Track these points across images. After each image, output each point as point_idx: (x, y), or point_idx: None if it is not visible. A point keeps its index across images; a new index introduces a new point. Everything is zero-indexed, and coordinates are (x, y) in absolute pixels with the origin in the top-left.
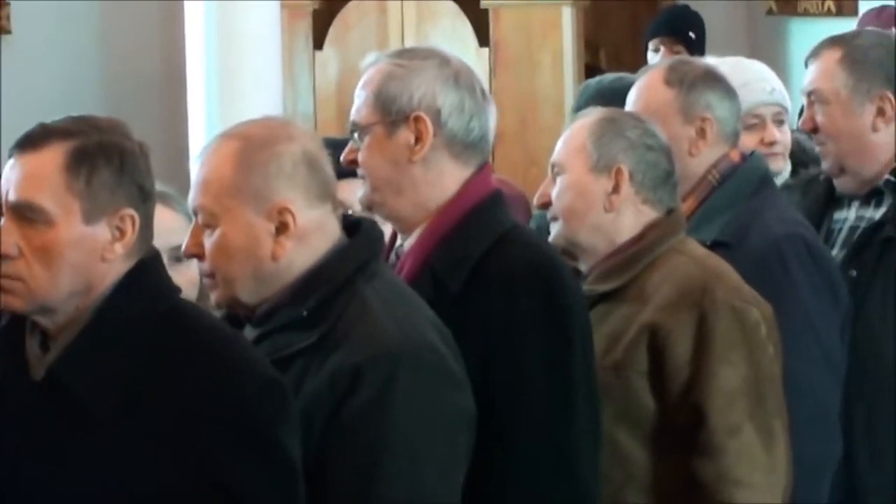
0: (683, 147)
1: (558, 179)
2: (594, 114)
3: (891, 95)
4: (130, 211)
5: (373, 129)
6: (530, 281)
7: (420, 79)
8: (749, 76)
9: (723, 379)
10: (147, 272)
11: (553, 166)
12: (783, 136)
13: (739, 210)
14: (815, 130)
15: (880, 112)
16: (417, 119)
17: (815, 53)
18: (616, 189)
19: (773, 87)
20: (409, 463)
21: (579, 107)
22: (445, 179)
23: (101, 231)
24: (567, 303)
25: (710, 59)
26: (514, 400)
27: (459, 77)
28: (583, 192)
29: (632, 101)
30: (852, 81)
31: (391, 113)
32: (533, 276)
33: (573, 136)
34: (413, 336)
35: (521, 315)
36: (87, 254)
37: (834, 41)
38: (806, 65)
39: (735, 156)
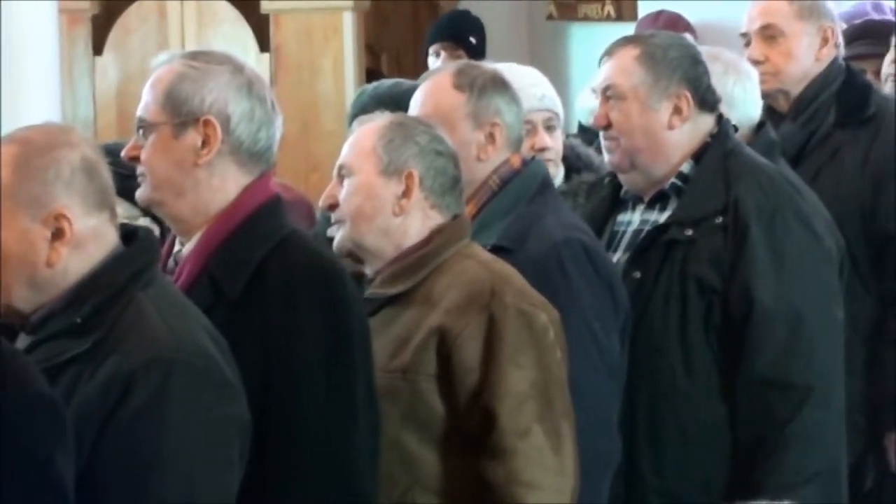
0: (472, 152)
1: (346, 182)
2: (382, 118)
3: (688, 94)
4: None
5: (160, 128)
6: (310, 285)
7: (213, 83)
8: (521, 82)
9: (512, 382)
10: None
11: (340, 168)
12: (554, 143)
13: (518, 214)
14: (607, 127)
15: (677, 110)
16: (207, 123)
17: (611, 52)
18: (406, 193)
19: (543, 92)
20: (182, 470)
21: (355, 113)
22: (228, 186)
23: None
24: (347, 307)
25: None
26: (295, 403)
27: (252, 86)
28: (372, 195)
29: (418, 105)
30: (651, 79)
31: (180, 114)
32: (312, 280)
33: (361, 139)
34: (187, 343)
35: (301, 319)
36: None
37: (631, 39)
38: (599, 63)
39: (516, 161)
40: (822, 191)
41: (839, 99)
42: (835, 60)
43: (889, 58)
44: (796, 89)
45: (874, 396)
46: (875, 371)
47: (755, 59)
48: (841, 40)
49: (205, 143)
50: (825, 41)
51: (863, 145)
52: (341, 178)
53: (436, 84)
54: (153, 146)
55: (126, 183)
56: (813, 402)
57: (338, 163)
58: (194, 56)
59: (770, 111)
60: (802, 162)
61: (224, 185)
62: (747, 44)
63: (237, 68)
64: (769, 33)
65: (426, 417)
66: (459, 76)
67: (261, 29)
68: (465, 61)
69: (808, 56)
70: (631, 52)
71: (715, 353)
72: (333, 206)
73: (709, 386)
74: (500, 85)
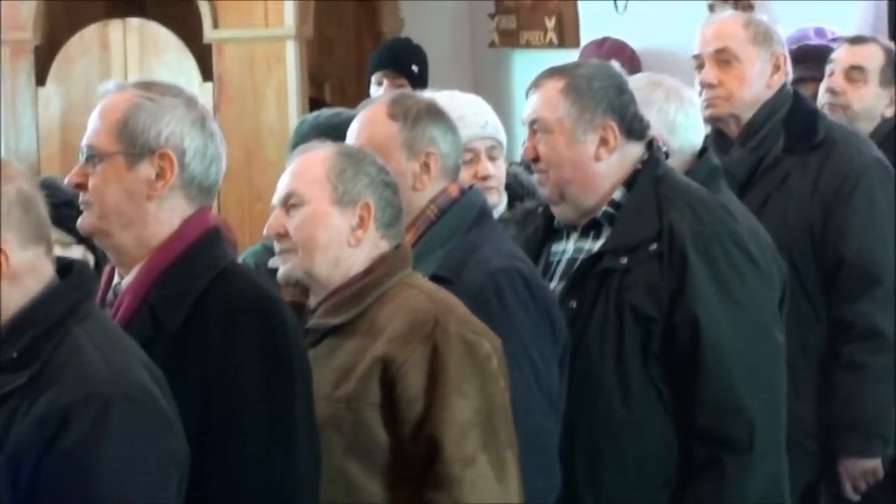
0: (408, 182)
1: (296, 212)
2: (325, 147)
3: (614, 125)
4: None
5: (113, 158)
6: (249, 316)
7: (170, 116)
8: (463, 110)
9: (456, 411)
10: None
11: (289, 197)
12: (497, 170)
13: (456, 244)
14: (536, 160)
15: (603, 142)
16: (163, 156)
17: (537, 84)
18: (362, 224)
19: (486, 120)
20: None
21: (296, 142)
22: (174, 219)
23: None
24: (286, 338)
25: (425, 93)
26: (234, 434)
27: (205, 121)
28: (326, 225)
29: (354, 135)
30: (576, 111)
31: (136, 145)
32: (251, 311)
33: (310, 167)
34: (124, 377)
35: (240, 350)
36: None
37: (555, 71)
38: (527, 95)
39: (453, 190)
40: (771, 217)
41: (787, 125)
42: (783, 86)
43: (823, 86)
44: (747, 114)
45: (826, 422)
46: (827, 396)
47: (709, 82)
48: (789, 67)
49: (159, 175)
50: (777, 68)
51: (812, 171)
52: (290, 206)
53: (371, 114)
54: (103, 175)
55: (59, 211)
56: (758, 426)
57: (284, 191)
58: (146, 87)
59: (719, 136)
60: (751, 188)
61: (170, 218)
62: (700, 66)
63: (190, 102)
64: (723, 57)
65: (370, 447)
66: (394, 106)
67: (204, 58)
68: (401, 91)
69: (760, 82)
70: (556, 85)
71: (653, 381)
72: (282, 236)
73: (647, 414)
74: (434, 114)
